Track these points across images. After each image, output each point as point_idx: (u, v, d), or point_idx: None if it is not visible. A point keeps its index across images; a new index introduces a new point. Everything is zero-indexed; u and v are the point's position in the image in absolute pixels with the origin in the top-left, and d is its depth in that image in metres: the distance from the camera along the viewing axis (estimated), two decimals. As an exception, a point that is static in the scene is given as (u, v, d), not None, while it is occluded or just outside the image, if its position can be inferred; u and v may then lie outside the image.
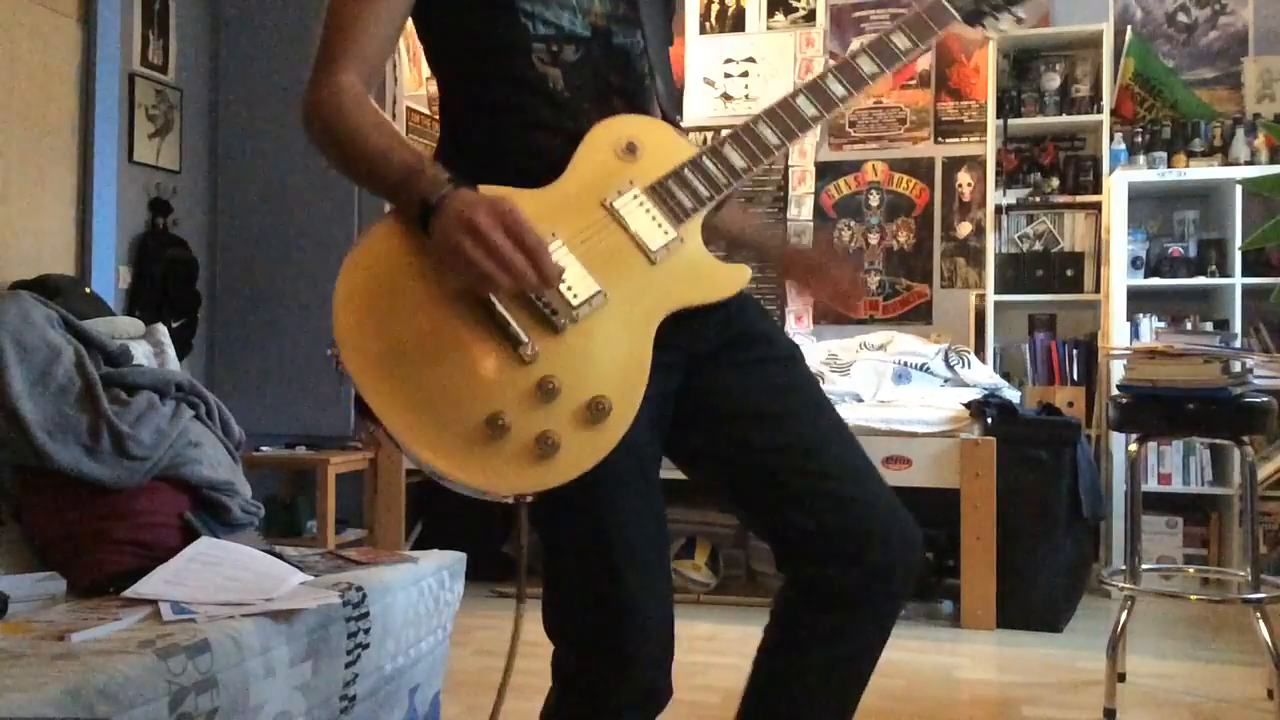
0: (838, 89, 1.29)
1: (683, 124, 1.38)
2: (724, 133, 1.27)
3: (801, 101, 1.27)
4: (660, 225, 1.20)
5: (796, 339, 5.14)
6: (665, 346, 1.19)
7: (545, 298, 1.13)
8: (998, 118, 4.52)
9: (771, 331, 1.38)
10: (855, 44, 1.34)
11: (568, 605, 1.30)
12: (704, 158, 1.23)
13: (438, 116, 1.38)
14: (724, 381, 1.30)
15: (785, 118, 1.27)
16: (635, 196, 1.20)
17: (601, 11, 1.29)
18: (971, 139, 4.74)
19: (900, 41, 1.33)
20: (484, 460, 1.10)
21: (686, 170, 1.23)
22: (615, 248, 1.18)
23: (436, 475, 1.12)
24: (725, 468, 1.34)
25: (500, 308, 1.12)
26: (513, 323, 1.12)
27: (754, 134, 1.25)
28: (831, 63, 1.34)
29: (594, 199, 1.19)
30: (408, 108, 4.67)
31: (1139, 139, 4.40)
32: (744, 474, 1.33)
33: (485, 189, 1.13)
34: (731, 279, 1.25)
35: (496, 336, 1.12)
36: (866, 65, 1.31)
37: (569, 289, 1.14)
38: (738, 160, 1.24)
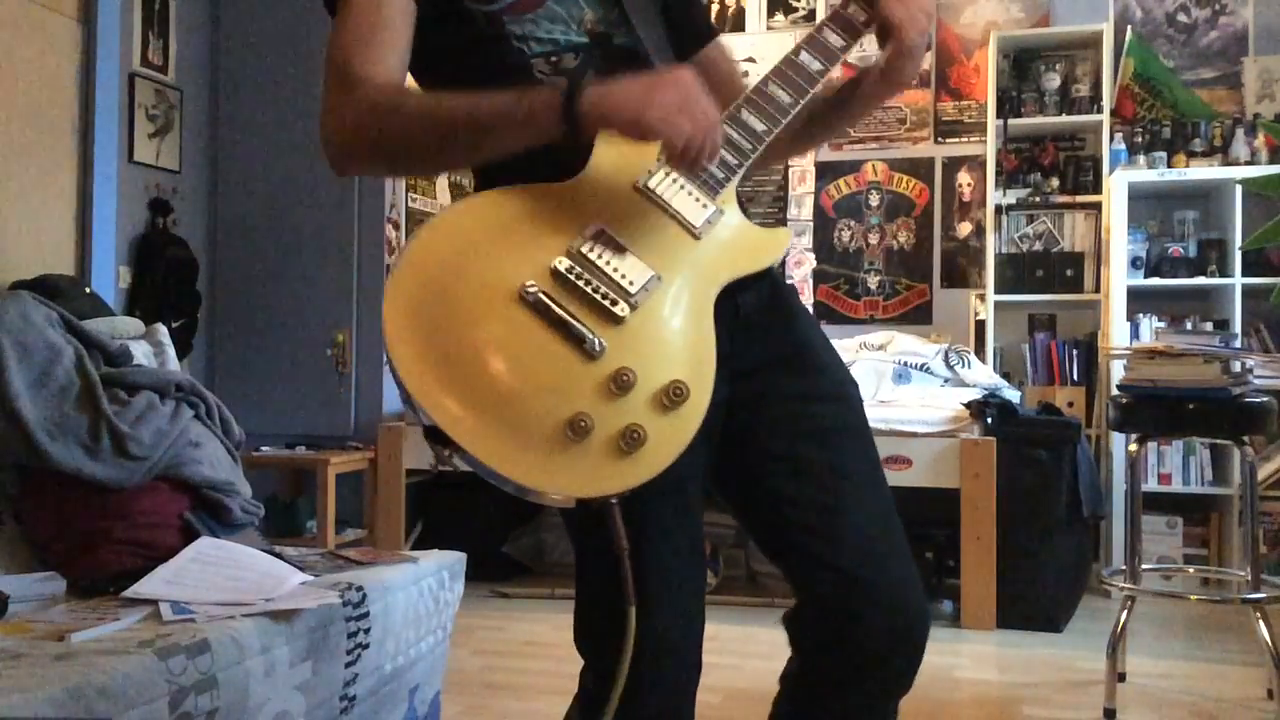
0: (835, 40, 1.27)
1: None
2: (738, 99, 1.25)
3: (805, 57, 1.26)
4: (698, 199, 1.17)
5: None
6: (721, 353, 1.15)
7: (601, 288, 1.10)
8: (998, 118, 4.52)
9: (826, 359, 1.32)
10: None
11: (591, 621, 1.27)
12: (725, 125, 1.20)
13: None
14: (764, 411, 1.26)
15: (793, 75, 1.25)
16: (667, 174, 1.17)
17: (595, 19, 1.29)
18: (971, 139, 4.74)
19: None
20: (572, 465, 1.06)
21: None
22: (658, 228, 1.15)
23: (525, 491, 1.07)
24: (741, 498, 1.31)
25: (557, 308, 1.09)
26: (573, 319, 1.08)
27: (768, 95, 1.23)
28: (825, 15, 1.32)
29: (624, 183, 1.16)
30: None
31: (1139, 139, 4.40)
32: (757, 513, 1.30)
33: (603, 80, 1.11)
34: (774, 243, 1.22)
35: (559, 337, 1.08)
36: (858, 14, 1.29)
37: (622, 276, 1.12)
38: (758, 124, 1.21)
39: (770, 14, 4.99)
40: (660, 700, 1.24)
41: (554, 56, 1.26)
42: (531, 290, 1.09)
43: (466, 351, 1.07)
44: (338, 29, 1.22)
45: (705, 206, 1.17)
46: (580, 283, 1.10)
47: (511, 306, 1.09)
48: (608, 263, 1.12)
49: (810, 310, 4.80)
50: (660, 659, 1.21)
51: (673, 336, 1.12)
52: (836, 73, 1.30)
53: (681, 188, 1.17)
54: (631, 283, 1.11)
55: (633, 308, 1.11)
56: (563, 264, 1.10)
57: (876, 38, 1.27)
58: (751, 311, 1.25)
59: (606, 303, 1.10)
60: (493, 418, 1.05)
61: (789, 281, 4.90)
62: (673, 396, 1.08)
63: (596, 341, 1.08)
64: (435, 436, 1.06)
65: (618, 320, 1.10)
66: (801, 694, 1.30)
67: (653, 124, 1.06)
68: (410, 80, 1.30)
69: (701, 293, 1.15)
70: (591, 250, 1.12)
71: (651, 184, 1.17)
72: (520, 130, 1.12)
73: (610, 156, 1.18)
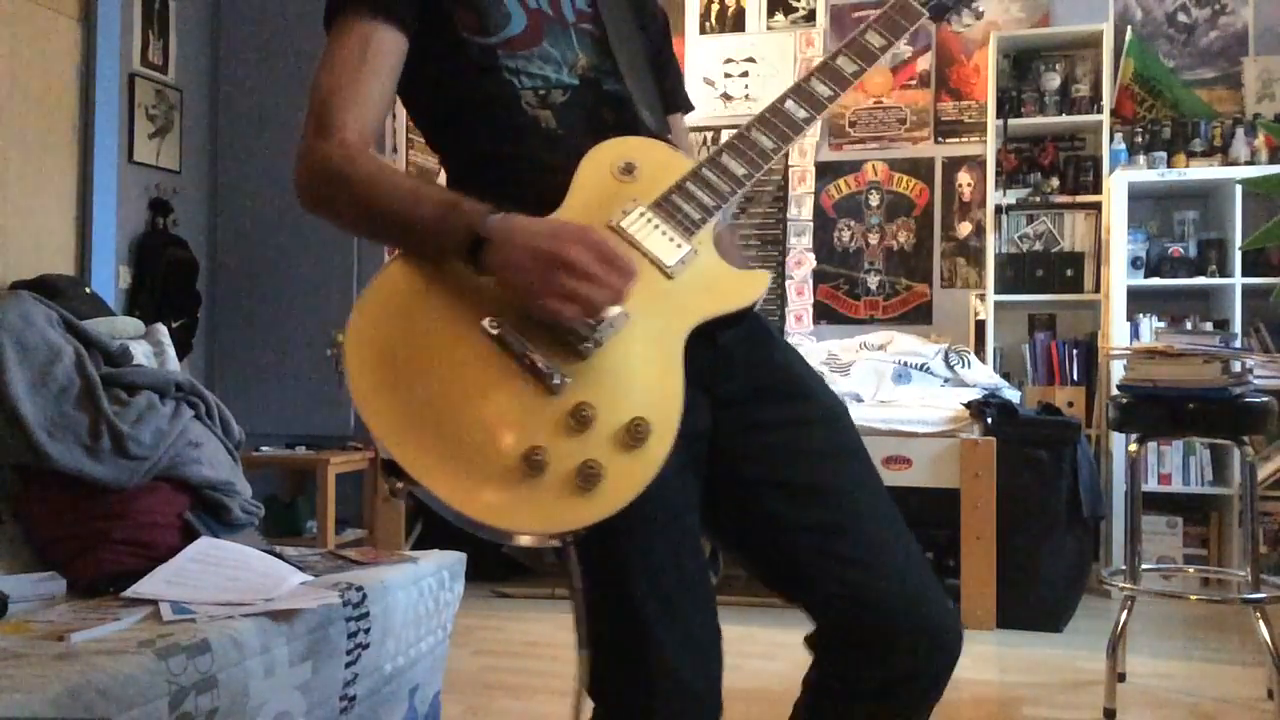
0: (823, 90, 1.29)
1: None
2: (720, 143, 1.28)
3: (790, 105, 1.28)
4: (672, 240, 1.17)
5: (795, 339, 5.09)
6: (690, 385, 1.12)
7: (565, 324, 1.08)
8: (998, 118, 4.52)
9: (812, 385, 1.30)
10: (838, 48, 1.35)
11: (598, 664, 1.21)
12: (704, 169, 1.22)
13: None
14: (753, 440, 1.24)
15: (777, 122, 1.26)
16: (641, 214, 1.18)
17: (587, 64, 1.32)
18: (971, 139, 4.74)
19: (875, 39, 1.34)
20: (527, 500, 1.03)
21: (689, 183, 1.21)
22: None
23: (479, 527, 1.04)
24: (736, 531, 1.29)
25: (519, 342, 1.07)
26: (535, 354, 1.07)
27: (749, 141, 1.24)
28: (814, 65, 1.36)
29: (599, 222, 1.16)
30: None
31: (1139, 139, 4.40)
32: (755, 543, 1.28)
33: (528, 220, 1.10)
34: (751, 285, 1.21)
35: (521, 371, 1.07)
36: (847, 65, 1.32)
37: None
38: (738, 168, 1.22)
39: (770, 14, 4.99)
40: None
41: (543, 91, 1.28)
42: (494, 325, 1.08)
43: (426, 385, 1.07)
44: (326, 59, 1.23)
45: (679, 247, 1.17)
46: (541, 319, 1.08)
47: (474, 342, 1.08)
48: None
49: (810, 310, 4.83)
50: (672, 699, 1.17)
51: (638, 375, 1.10)
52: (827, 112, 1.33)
53: (656, 227, 1.17)
54: (595, 323, 1.09)
55: (597, 344, 1.09)
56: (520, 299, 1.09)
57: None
58: (730, 342, 1.24)
59: (571, 339, 1.08)
60: (449, 452, 1.04)
61: (789, 280, 4.90)
62: (634, 434, 1.06)
63: (556, 375, 1.06)
64: (391, 469, 1.04)
65: (581, 356, 1.08)
66: (827, 705, 1.29)
67: (542, 306, 1.06)
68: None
69: (672, 332, 1.13)
70: None
71: (624, 223, 1.17)
72: (430, 236, 1.12)
73: (589, 192, 1.19)
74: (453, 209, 1.11)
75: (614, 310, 1.09)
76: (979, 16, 1.34)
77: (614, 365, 1.10)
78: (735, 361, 1.24)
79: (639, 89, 1.33)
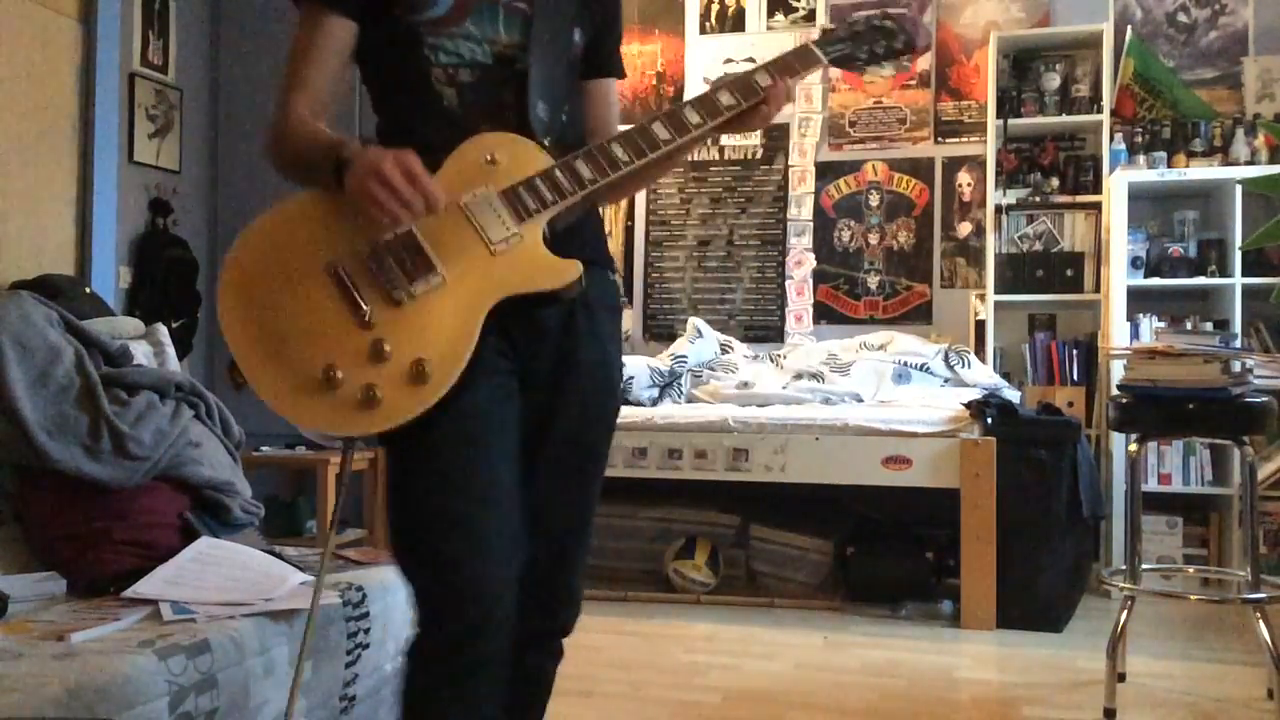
0: (693, 117, 1.42)
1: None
2: (579, 150, 1.40)
3: (657, 126, 1.40)
4: (504, 222, 1.35)
5: (796, 338, 5.08)
6: (505, 354, 1.38)
7: (390, 276, 1.31)
8: (998, 118, 4.52)
9: (590, 378, 1.47)
10: (722, 76, 1.44)
11: (399, 556, 1.40)
12: (556, 170, 1.37)
13: None
14: (533, 409, 1.43)
15: (638, 139, 1.40)
16: (487, 198, 1.35)
17: (507, 41, 1.42)
18: (971, 139, 4.74)
19: (762, 79, 1.44)
20: (315, 405, 1.28)
21: (538, 179, 1.36)
22: (461, 239, 1.34)
23: (277, 411, 1.29)
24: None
25: (350, 281, 1.31)
26: (358, 294, 1.30)
27: (606, 151, 1.39)
28: (696, 94, 1.45)
29: (452, 198, 1.34)
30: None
31: (1139, 139, 4.40)
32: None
33: (375, 149, 1.31)
34: (562, 271, 1.36)
35: (343, 304, 1.30)
36: (725, 98, 1.43)
37: (411, 270, 1.32)
38: (586, 172, 1.38)
39: (770, 14, 4.99)
40: (464, 628, 1.33)
41: (452, 69, 1.40)
42: (333, 264, 1.31)
43: (271, 301, 1.31)
44: (291, 43, 1.44)
45: (508, 229, 1.35)
46: (375, 267, 1.31)
47: (317, 274, 1.32)
48: (403, 259, 1.32)
49: (810, 310, 4.83)
50: (451, 592, 1.33)
51: (436, 326, 1.31)
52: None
53: (495, 211, 1.35)
54: (414, 279, 1.31)
55: (410, 297, 1.31)
56: (365, 249, 1.32)
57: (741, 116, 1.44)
58: (550, 326, 1.43)
59: (389, 288, 1.31)
60: (270, 355, 1.30)
61: (789, 280, 4.90)
62: (415, 371, 1.28)
63: (369, 313, 1.30)
64: (230, 362, 1.30)
65: (395, 303, 1.31)
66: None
67: (358, 202, 1.28)
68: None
69: (478, 298, 1.33)
70: (394, 246, 1.32)
71: (469, 201, 1.35)
72: (319, 167, 1.34)
73: (454, 174, 1.36)
74: (331, 146, 1.33)
75: (408, 225, 1.31)
76: (904, 68, 1.40)
77: (420, 316, 1.31)
78: (547, 345, 1.43)
79: (541, 71, 1.43)
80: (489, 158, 1.37)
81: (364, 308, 1.30)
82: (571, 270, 1.36)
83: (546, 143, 1.41)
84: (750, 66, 1.47)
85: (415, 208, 1.27)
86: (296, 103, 1.40)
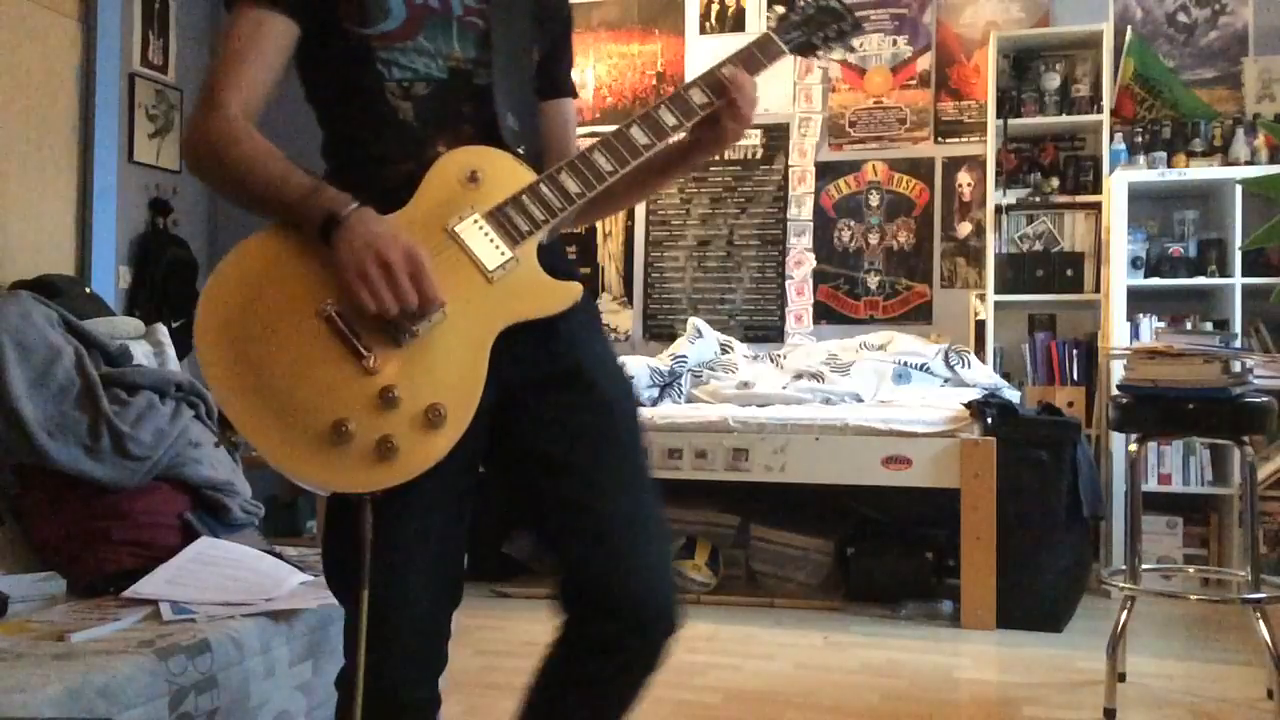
0: (669, 119, 1.39)
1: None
2: (561, 163, 1.36)
3: (635, 131, 1.37)
4: (497, 246, 1.28)
5: (795, 339, 5.08)
6: (492, 366, 1.27)
7: (366, 311, 1.21)
8: (998, 118, 4.51)
9: (595, 374, 1.39)
10: (691, 78, 1.41)
11: (332, 578, 1.37)
12: (541, 184, 1.32)
13: None
14: (530, 417, 1.35)
15: (619, 146, 1.36)
16: (475, 221, 1.29)
17: (462, 56, 1.37)
18: (971, 139, 4.74)
19: (728, 72, 1.41)
20: (329, 463, 1.20)
21: (524, 196, 1.31)
22: (455, 268, 1.27)
23: (287, 476, 1.21)
24: (514, 494, 1.41)
25: (346, 326, 1.22)
26: (357, 339, 1.22)
27: (589, 162, 1.34)
28: (665, 95, 1.42)
29: (437, 224, 1.28)
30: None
31: (1139, 139, 4.40)
32: (526, 514, 1.41)
33: (378, 218, 1.23)
34: (563, 295, 1.32)
35: (343, 350, 1.22)
36: (697, 96, 1.40)
37: None
38: (573, 186, 1.33)
39: (770, 14, 4.98)
40: (385, 678, 1.30)
41: (406, 84, 1.34)
42: (326, 307, 1.22)
43: (261, 350, 1.22)
44: (221, 42, 1.34)
45: (503, 254, 1.29)
46: None
47: (308, 320, 1.23)
48: None
49: (810, 310, 4.83)
50: (389, 639, 1.29)
51: (445, 365, 1.24)
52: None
53: (485, 234, 1.29)
54: (415, 317, 1.22)
55: (413, 336, 1.23)
56: None
57: (707, 121, 1.41)
58: (530, 335, 1.33)
59: (391, 329, 1.22)
60: (272, 408, 1.20)
61: (789, 280, 4.90)
62: (430, 418, 1.22)
63: (373, 359, 1.22)
64: (222, 419, 1.22)
65: (398, 344, 1.23)
66: (560, 656, 1.38)
67: (350, 287, 1.19)
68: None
69: (483, 330, 1.27)
70: None
71: (459, 228, 1.28)
72: (292, 213, 1.25)
73: (434, 195, 1.29)
74: (313, 193, 1.24)
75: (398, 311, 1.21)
76: (852, 50, 1.40)
77: (426, 355, 1.24)
78: (526, 354, 1.33)
79: (506, 84, 1.39)
80: (470, 175, 1.31)
81: (365, 354, 1.22)
82: (574, 291, 1.32)
83: (521, 151, 1.37)
84: (717, 63, 1.44)
85: (408, 307, 1.19)
86: (232, 103, 1.29)
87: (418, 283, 1.19)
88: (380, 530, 1.25)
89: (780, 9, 1.52)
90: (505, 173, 1.33)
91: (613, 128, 1.40)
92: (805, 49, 1.53)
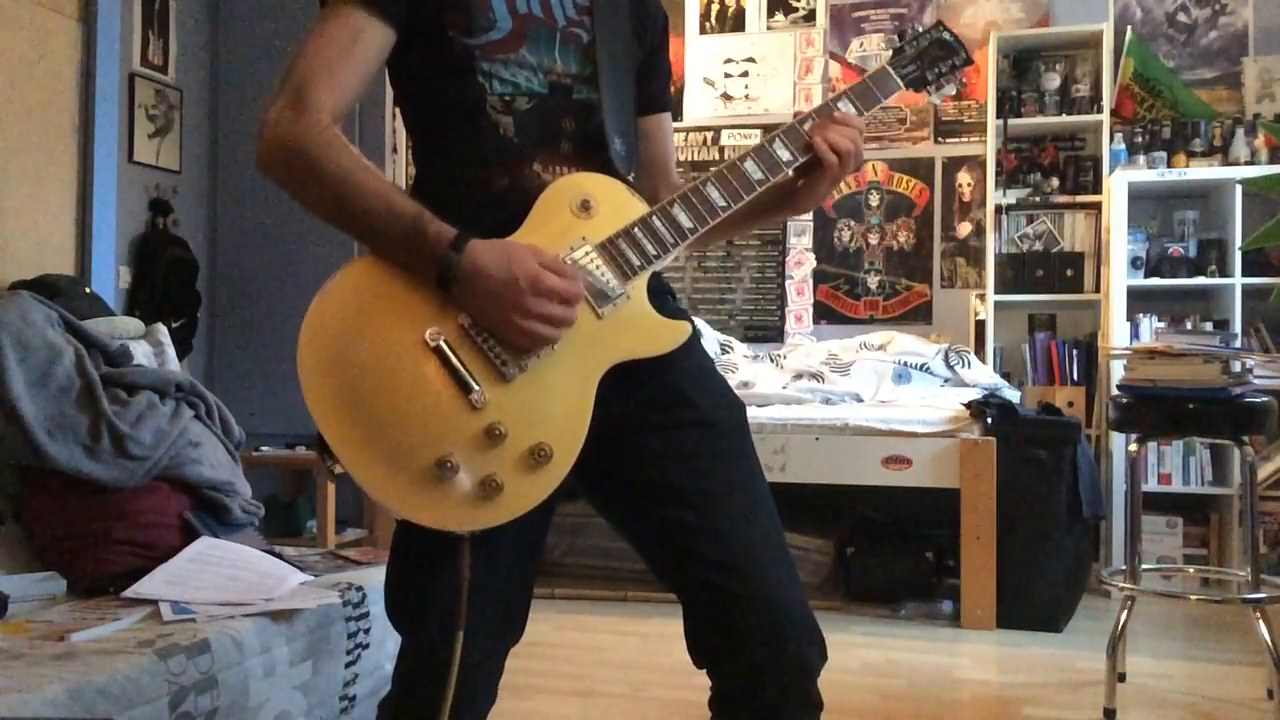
0: (783, 153, 1.34)
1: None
2: (675, 193, 1.31)
3: (749, 165, 1.32)
4: (608, 281, 1.24)
5: (796, 338, 5.07)
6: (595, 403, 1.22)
7: (497, 348, 1.19)
8: (998, 118, 4.52)
9: (695, 393, 1.33)
10: (805, 110, 1.38)
11: (396, 603, 1.34)
12: (654, 217, 1.28)
13: None
14: (634, 443, 1.29)
15: (732, 180, 1.31)
16: (587, 253, 1.25)
17: (564, 71, 1.33)
18: (971, 139, 4.74)
19: (845, 107, 1.40)
20: (432, 500, 1.15)
21: (636, 229, 1.27)
22: None
23: (386, 508, 1.18)
24: (626, 530, 1.36)
25: (454, 358, 1.17)
26: (465, 371, 1.17)
27: (702, 196, 1.30)
28: (782, 128, 1.38)
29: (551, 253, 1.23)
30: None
31: (1139, 139, 4.40)
32: (640, 542, 1.35)
33: (490, 243, 1.18)
34: (673, 333, 1.28)
35: (450, 384, 1.17)
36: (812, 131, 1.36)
37: None
38: (685, 220, 1.29)
39: (770, 14, 4.99)
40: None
41: (509, 97, 1.30)
42: (434, 337, 1.18)
43: (364, 380, 1.17)
44: (312, 38, 1.25)
45: (613, 289, 1.24)
46: (479, 339, 1.19)
47: (414, 349, 1.18)
48: None
49: (810, 310, 4.83)
50: (441, 679, 1.23)
51: (551, 403, 1.20)
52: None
53: (597, 268, 1.24)
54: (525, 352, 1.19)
55: (521, 370, 1.19)
56: (466, 321, 1.19)
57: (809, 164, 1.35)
58: (629, 367, 1.29)
59: (499, 363, 1.19)
60: (373, 444, 1.15)
61: (789, 280, 4.90)
62: (536, 457, 1.18)
63: (481, 394, 1.17)
64: (321, 447, 1.16)
65: (505, 379, 1.19)
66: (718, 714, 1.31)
67: (520, 328, 1.16)
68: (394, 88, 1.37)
69: (590, 367, 1.22)
70: None
71: (572, 259, 1.23)
72: (399, 255, 1.19)
73: (546, 223, 1.25)
74: (419, 235, 1.17)
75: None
76: (962, 87, 1.38)
77: (532, 392, 1.20)
78: (628, 383, 1.27)
79: (612, 103, 1.35)
80: (582, 203, 1.26)
81: (475, 388, 1.17)
82: (683, 330, 1.29)
83: (632, 179, 1.33)
84: (833, 95, 1.41)
85: (569, 321, 1.18)
86: (324, 108, 1.21)
87: (560, 298, 1.16)
88: (449, 564, 1.20)
89: (896, 42, 1.50)
90: (618, 202, 1.29)
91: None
92: (919, 84, 1.50)
